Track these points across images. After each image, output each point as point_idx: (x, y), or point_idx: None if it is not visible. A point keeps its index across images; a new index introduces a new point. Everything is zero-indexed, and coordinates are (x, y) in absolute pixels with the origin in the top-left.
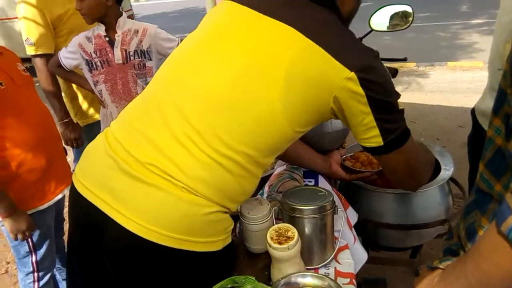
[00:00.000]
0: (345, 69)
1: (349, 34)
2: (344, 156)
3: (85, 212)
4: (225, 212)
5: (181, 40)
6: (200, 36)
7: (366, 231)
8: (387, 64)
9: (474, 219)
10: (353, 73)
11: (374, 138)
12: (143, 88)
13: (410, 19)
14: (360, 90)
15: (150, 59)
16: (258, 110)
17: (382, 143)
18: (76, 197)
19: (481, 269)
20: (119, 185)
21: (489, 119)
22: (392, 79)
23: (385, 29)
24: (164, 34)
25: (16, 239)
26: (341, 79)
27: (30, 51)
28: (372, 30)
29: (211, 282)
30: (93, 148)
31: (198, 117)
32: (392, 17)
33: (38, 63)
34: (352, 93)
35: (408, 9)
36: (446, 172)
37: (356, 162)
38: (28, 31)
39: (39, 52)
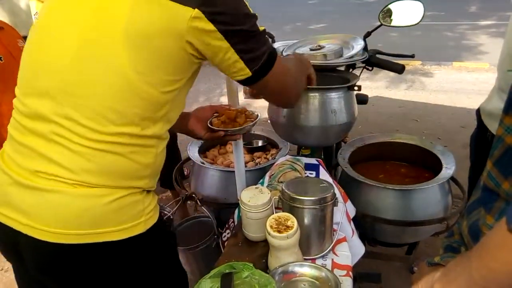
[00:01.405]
0: (187, 8)
1: None
2: (216, 114)
3: (1, 235)
4: (137, 193)
5: None
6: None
7: (364, 225)
8: (394, 60)
9: (478, 217)
10: (196, 9)
11: (241, 71)
12: None
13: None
14: (210, 26)
15: None
16: (114, 84)
17: (250, 74)
18: None
19: (487, 266)
20: (19, 198)
21: (500, 118)
22: (398, 76)
23: (394, 24)
24: None
25: None
26: (186, 20)
27: None
28: (381, 24)
29: (151, 265)
30: None
31: (57, 113)
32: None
33: None
34: (204, 31)
35: (419, 5)
36: (448, 171)
37: (219, 121)
38: (38, 6)
39: None
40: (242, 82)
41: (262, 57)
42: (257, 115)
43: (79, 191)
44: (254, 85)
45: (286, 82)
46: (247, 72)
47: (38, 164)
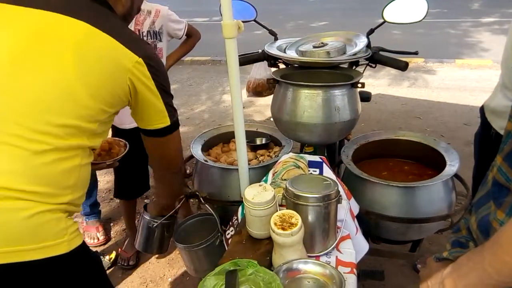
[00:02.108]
0: (134, 55)
1: (129, 29)
2: None
3: None
4: (58, 211)
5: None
6: None
7: (367, 222)
8: (398, 57)
9: (488, 212)
10: (141, 58)
11: (163, 118)
12: None
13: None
14: (148, 74)
15: (161, 41)
16: (55, 89)
17: (169, 123)
18: None
19: (501, 260)
20: None
21: (509, 114)
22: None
23: (397, 21)
24: (174, 16)
25: None
26: (132, 62)
27: None
28: (384, 21)
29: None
30: None
31: None
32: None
33: None
34: (143, 76)
35: (423, 2)
36: (452, 168)
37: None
38: None
39: None
40: (153, 132)
41: (176, 114)
42: (126, 143)
43: None
44: (162, 138)
45: (180, 146)
46: (167, 121)
47: None
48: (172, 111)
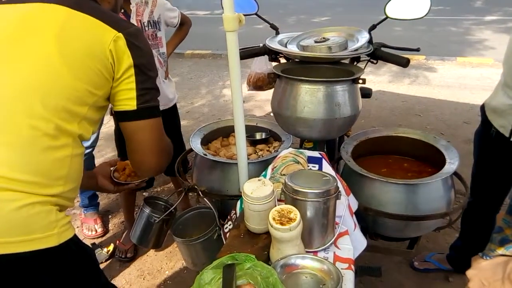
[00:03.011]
0: (114, 30)
1: (111, 12)
2: (112, 168)
3: None
4: (48, 203)
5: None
6: None
7: (366, 219)
8: (400, 53)
9: None
10: (120, 34)
11: (129, 100)
12: (157, 59)
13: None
14: (127, 50)
15: (160, 30)
16: (39, 72)
17: (135, 107)
18: None
19: None
20: None
21: None
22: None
23: (399, 17)
24: (169, 4)
25: None
26: (111, 37)
27: None
28: (386, 17)
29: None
30: None
31: None
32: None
33: None
34: (121, 52)
35: None
36: (451, 165)
37: (123, 174)
38: None
39: None
40: (120, 114)
41: (151, 101)
42: None
43: None
44: (129, 123)
45: (155, 143)
46: (132, 104)
47: None
48: (145, 95)
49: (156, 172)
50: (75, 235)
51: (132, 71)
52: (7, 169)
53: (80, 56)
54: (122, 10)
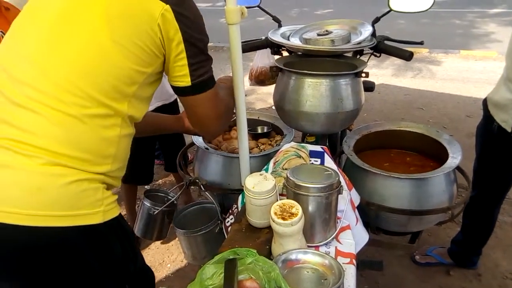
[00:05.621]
0: (161, 2)
1: None
2: None
3: None
4: (96, 181)
5: None
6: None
7: (368, 213)
8: (403, 47)
9: None
10: (168, 5)
11: (183, 77)
12: None
13: None
14: (175, 24)
15: None
16: (89, 51)
17: (190, 83)
18: None
19: None
20: None
21: None
22: (404, 64)
23: (403, 10)
24: None
25: None
26: (159, 11)
27: None
28: (390, 10)
29: (107, 264)
30: None
31: (33, 77)
32: None
33: None
34: (170, 26)
35: None
36: (454, 160)
37: None
38: None
39: None
40: (177, 89)
41: (204, 75)
42: None
43: (38, 167)
44: (186, 98)
45: (213, 113)
46: (187, 81)
47: (2, 131)
48: (198, 69)
49: (221, 132)
50: (120, 215)
51: (182, 46)
52: (57, 145)
53: (129, 33)
54: None
